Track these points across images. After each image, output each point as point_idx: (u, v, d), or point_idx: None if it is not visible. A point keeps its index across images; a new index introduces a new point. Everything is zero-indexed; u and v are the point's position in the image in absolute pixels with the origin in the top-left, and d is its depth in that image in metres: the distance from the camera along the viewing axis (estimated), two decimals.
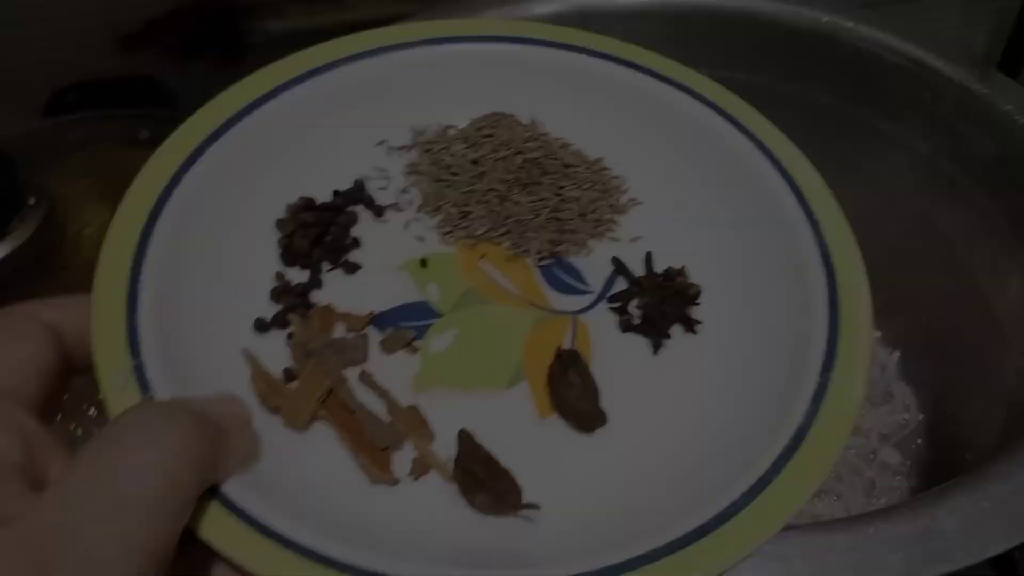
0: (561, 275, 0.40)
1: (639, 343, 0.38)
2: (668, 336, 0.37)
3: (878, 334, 0.64)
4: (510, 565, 0.29)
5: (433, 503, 0.32)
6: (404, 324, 0.37)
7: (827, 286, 0.35)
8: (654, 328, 0.37)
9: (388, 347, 0.37)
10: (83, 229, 0.52)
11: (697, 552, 0.28)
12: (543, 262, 0.40)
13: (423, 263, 0.40)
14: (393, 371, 0.36)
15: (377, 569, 0.27)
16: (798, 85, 0.59)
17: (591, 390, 0.35)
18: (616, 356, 0.37)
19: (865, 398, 0.58)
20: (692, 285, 0.38)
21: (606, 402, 0.35)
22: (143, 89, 0.70)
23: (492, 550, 0.30)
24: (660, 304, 0.38)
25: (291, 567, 0.27)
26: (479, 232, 0.41)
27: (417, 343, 0.37)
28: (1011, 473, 0.36)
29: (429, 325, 0.38)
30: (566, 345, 0.37)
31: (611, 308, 0.39)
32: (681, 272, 0.39)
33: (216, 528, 0.28)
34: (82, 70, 0.70)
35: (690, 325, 0.38)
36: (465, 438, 0.33)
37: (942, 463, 0.59)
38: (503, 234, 0.41)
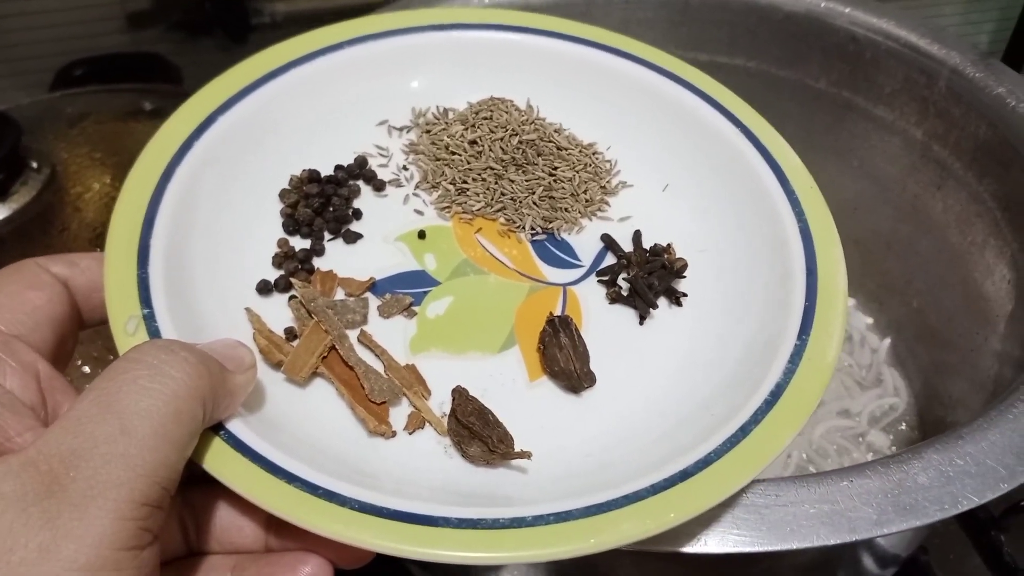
0: (553, 250, 0.42)
1: (627, 313, 0.39)
2: (655, 306, 0.39)
3: (870, 320, 0.65)
4: (499, 504, 0.30)
5: (428, 454, 0.34)
6: (402, 291, 0.39)
7: (805, 257, 0.37)
8: (641, 300, 0.39)
9: (386, 311, 0.38)
10: (83, 193, 0.53)
11: (677, 494, 0.30)
12: (536, 238, 0.42)
13: (421, 235, 0.41)
14: (391, 334, 0.37)
15: (376, 503, 0.29)
16: (794, 70, 0.60)
17: (581, 352, 0.36)
18: (605, 324, 0.39)
19: (855, 381, 0.58)
20: (679, 260, 0.40)
21: (594, 366, 0.37)
22: (149, 65, 0.72)
23: (482, 493, 0.32)
24: (647, 277, 0.40)
25: (296, 500, 0.28)
26: (475, 207, 0.42)
27: (414, 308, 0.38)
28: (984, 433, 0.36)
29: (426, 292, 0.39)
30: (557, 313, 0.39)
31: (600, 281, 0.40)
32: (668, 249, 0.41)
33: (225, 465, 0.29)
34: (91, 46, 0.72)
35: (676, 297, 0.39)
36: (460, 393, 0.35)
37: None
38: (498, 210, 0.43)
